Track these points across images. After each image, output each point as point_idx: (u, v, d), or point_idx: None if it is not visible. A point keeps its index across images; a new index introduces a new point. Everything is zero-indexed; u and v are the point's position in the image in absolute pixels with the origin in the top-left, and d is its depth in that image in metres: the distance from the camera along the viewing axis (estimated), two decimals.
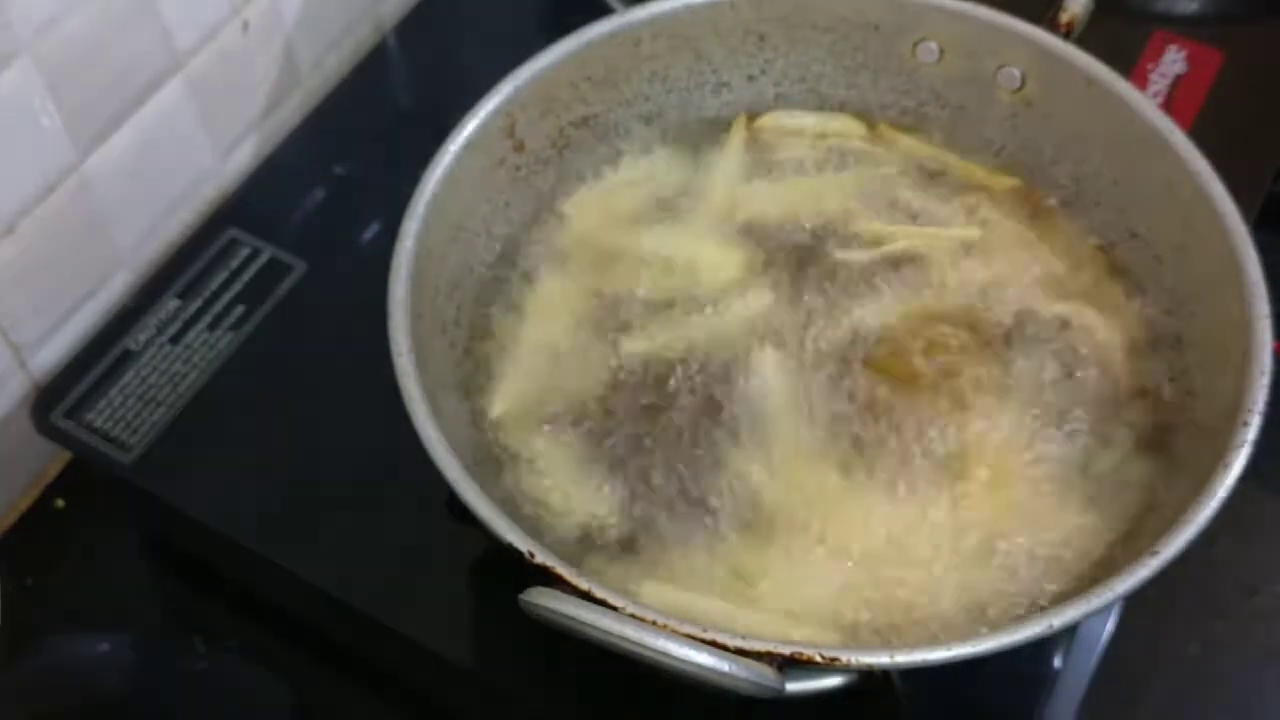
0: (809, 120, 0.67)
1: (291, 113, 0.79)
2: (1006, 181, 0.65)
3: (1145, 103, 0.59)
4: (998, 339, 0.60)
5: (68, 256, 0.67)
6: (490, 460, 0.57)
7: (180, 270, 0.70)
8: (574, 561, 0.52)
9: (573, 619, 0.45)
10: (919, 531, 0.55)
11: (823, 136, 0.67)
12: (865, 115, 0.68)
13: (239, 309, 0.69)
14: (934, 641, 0.47)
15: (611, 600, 0.46)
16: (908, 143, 0.66)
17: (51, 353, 0.69)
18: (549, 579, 0.47)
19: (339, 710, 0.64)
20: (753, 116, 0.68)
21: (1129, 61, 0.76)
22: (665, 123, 0.67)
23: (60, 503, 0.69)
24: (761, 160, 0.66)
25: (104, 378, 0.66)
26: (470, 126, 0.60)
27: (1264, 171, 0.72)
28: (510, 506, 0.55)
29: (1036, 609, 0.52)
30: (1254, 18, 0.81)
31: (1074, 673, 0.60)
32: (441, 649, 0.59)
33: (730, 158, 0.66)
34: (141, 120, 0.68)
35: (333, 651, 0.64)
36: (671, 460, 0.57)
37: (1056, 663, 0.60)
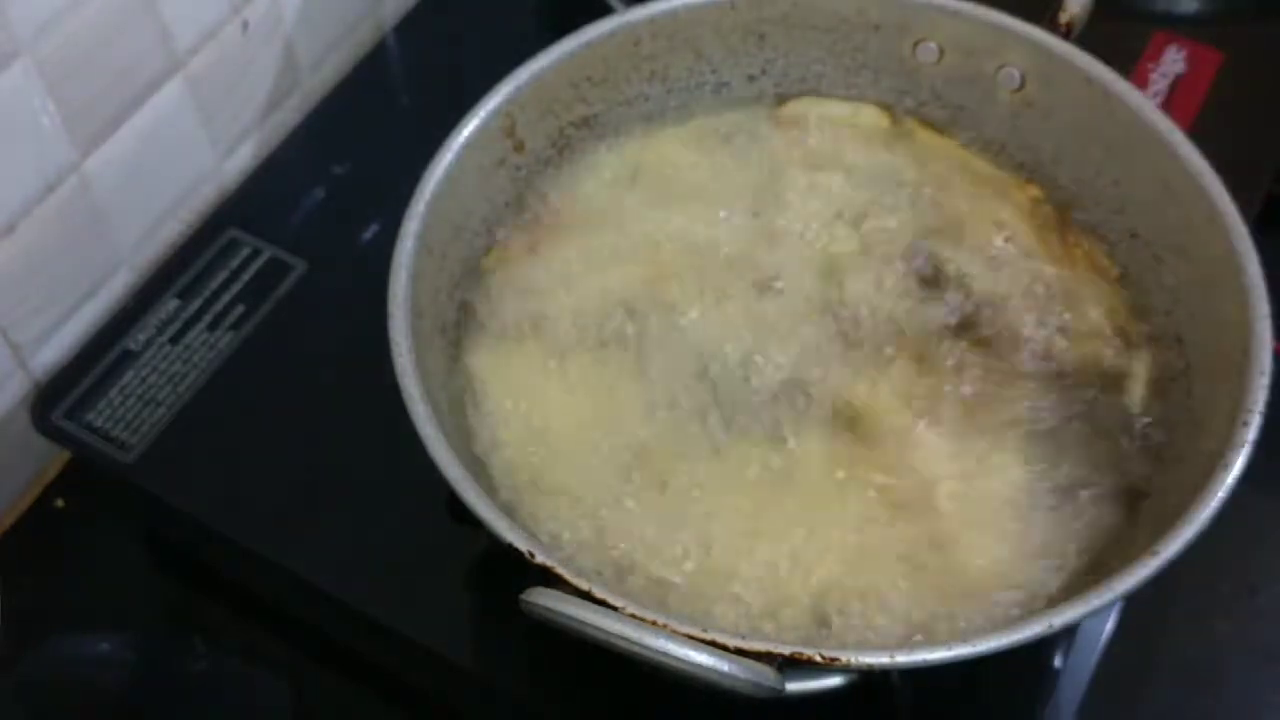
0: (837, 109, 0.67)
1: (291, 113, 0.79)
2: (1028, 190, 0.65)
3: (1145, 103, 0.59)
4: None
5: (68, 257, 0.67)
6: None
7: (180, 270, 0.70)
8: None
9: (573, 619, 0.45)
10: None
11: (852, 126, 0.67)
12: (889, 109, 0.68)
13: (239, 309, 0.69)
14: (934, 641, 0.47)
15: (611, 600, 0.46)
16: (929, 139, 0.67)
17: (51, 353, 0.69)
18: (549, 579, 0.47)
19: (339, 710, 0.64)
20: (780, 102, 0.68)
21: (1129, 61, 0.76)
22: (665, 122, 0.67)
23: (60, 503, 0.69)
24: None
25: (104, 378, 0.66)
26: (470, 126, 0.60)
27: (1264, 171, 0.72)
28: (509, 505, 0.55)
29: (1037, 606, 0.52)
30: (1254, 18, 0.81)
31: (1074, 673, 0.60)
32: (441, 649, 0.59)
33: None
34: (141, 120, 0.68)
35: (333, 651, 0.64)
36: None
37: (1056, 663, 0.60)
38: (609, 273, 0.62)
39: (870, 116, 0.67)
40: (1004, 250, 0.63)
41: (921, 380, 0.59)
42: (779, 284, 0.62)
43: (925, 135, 0.67)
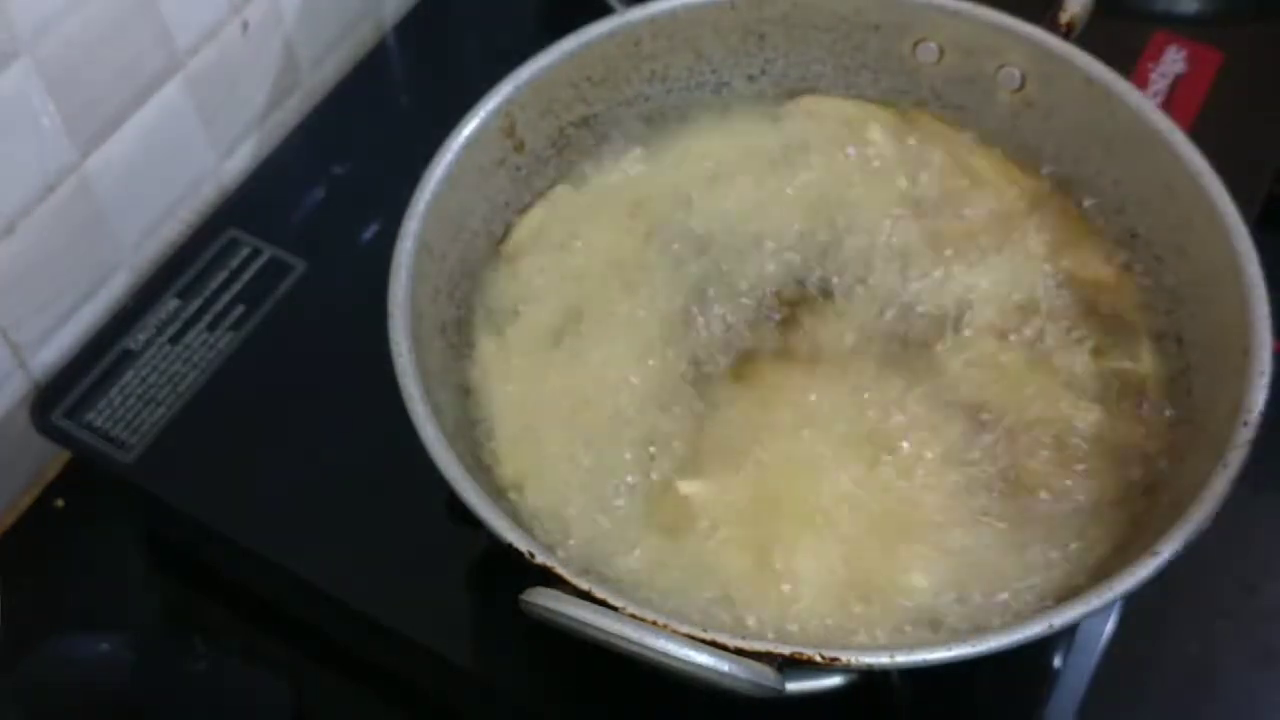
0: (846, 107, 0.67)
1: (291, 113, 0.79)
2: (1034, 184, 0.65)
3: (1145, 103, 0.59)
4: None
5: (68, 256, 0.67)
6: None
7: (180, 270, 0.70)
8: None
9: (573, 619, 0.45)
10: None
11: (864, 119, 0.67)
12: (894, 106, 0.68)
13: (239, 309, 0.69)
14: (934, 641, 0.47)
15: (611, 600, 0.46)
16: (939, 129, 0.66)
17: (51, 353, 0.69)
18: (549, 579, 0.47)
19: (339, 710, 0.64)
20: (789, 97, 0.68)
21: (1129, 61, 0.76)
22: (666, 122, 0.67)
23: (60, 503, 0.69)
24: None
25: (104, 378, 0.66)
26: (470, 126, 0.60)
27: (1264, 171, 0.72)
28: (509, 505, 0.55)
29: (1037, 607, 0.52)
30: (1254, 18, 0.81)
31: (1074, 673, 0.60)
32: (441, 649, 0.59)
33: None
34: (141, 120, 0.68)
35: (333, 651, 0.64)
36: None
37: (1056, 663, 0.60)
38: (614, 253, 0.63)
39: (879, 113, 0.67)
40: (1002, 247, 0.63)
41: (913, 375, 0.59)
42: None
43: (935, 126, 0.66)
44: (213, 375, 0.66)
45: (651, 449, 0.57)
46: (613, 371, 0.59)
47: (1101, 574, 0.50)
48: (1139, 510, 0.55)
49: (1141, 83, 0.76)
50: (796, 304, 0.61)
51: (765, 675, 0.45)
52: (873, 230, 0.63)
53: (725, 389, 0.59)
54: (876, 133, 0.66)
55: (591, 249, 0.63)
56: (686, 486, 0.56)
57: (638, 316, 0.60)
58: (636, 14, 0.64)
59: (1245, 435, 0.50)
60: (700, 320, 0.61)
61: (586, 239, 0.63)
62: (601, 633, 0.45)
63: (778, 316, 0.61)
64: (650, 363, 0.59)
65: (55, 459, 0.70)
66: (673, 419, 0.58)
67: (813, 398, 0.58)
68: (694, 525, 0.55)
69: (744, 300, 0.61)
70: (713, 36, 0.66)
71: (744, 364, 0.60)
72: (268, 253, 0.71)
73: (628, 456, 0.57)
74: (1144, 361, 0.59)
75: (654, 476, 0.56)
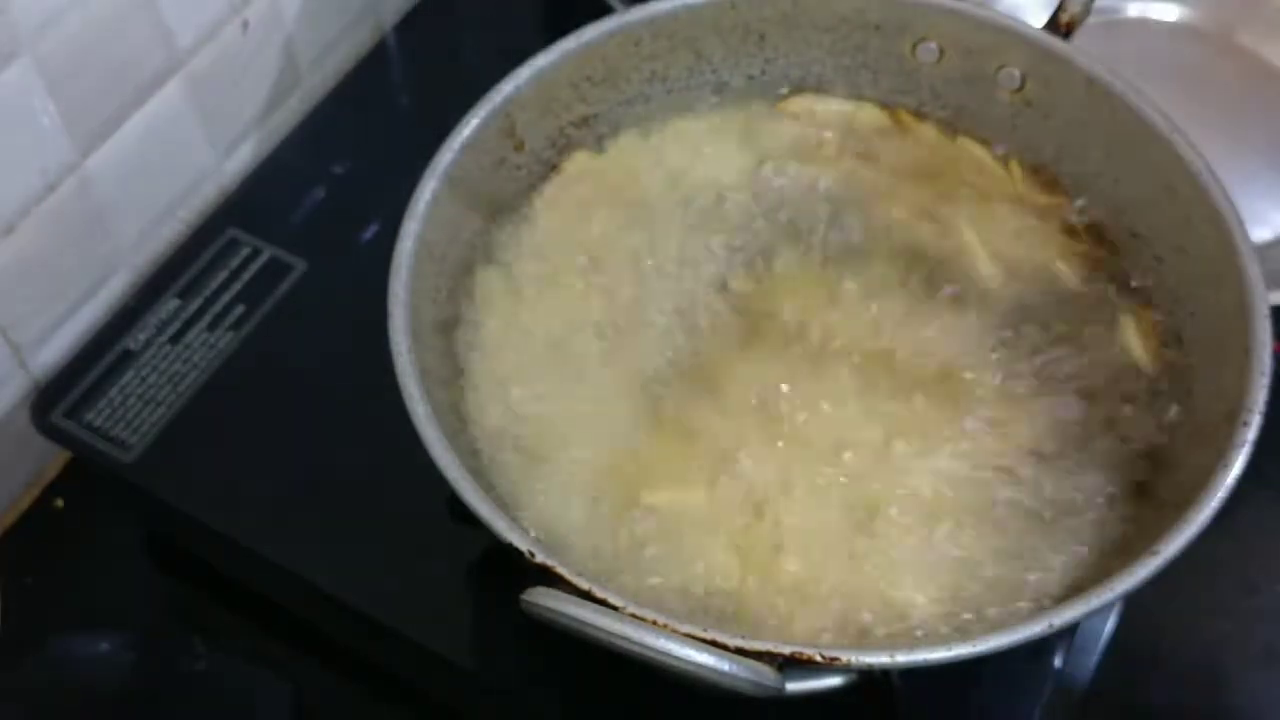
0: (838, 105, 0.67)
1: (291, 112, 0.79)
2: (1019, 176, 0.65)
3: (1145, 103, 0.59)
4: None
5: (68, 256, 0.67)
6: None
7: (180, 270, 0.70)
8: None
9: (573, 619, 0.45)
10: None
11: (854, 119, 0.67)
12: (886, 107, 0.68)
13: (239, 309, 0.69)
14: (934, 641, 0.47)
15: (611, 600, 0.46)
16: (927, 133, 0.67)
17: (51, 352, 0.69)
18: (549, 579, 0.47)
19: (339, 710, 0.64)
20: (781, 98, 0.68)
21: None
22: (670, 116, 0.67)
23: (60, 503, 0.69)
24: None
25: (104, 377, 0.66)
26: (470, 126, 0.60)
27: None
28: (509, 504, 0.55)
29: (1037, 607, 0.52)
30: None
31: (1074, 673, 0.60)
32: (441, 649, 0.59)
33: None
34: (141, 120, 0.68)
35: (333, 651, 0.64)
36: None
37: (1056, 663, 0.60)
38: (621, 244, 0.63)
39: (870, 112, 0.67)
40: (1000, 243, 0.63)
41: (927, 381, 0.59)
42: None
43: (923, 129, 0.67)
44: (213, 375, 0.66)
45: (632, 453, 0.57)
46: (596, 384, 0.59)
47: (1101, 574, 0.50)
48: (1139, 510, 0.55)
49: None
50: (783, 298, 0.61)
51: (765, 675, 0.45)
52: (856, 223, 0.63)
53: (704, 395, 0.58)
54: (862, 129, 0.67)
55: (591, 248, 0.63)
56: (657, 497, 0.55)
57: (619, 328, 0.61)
58: (636, 14, 0.64)
59: (1245, 435, 0.50)
60: (680, 323, 0.61)
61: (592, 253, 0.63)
62: (601, 633, 0.45)
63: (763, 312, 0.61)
64: (635, 371, 0.59)
65: (55, 459, 0.70)
66: (646, 428, 0.58)
67: (798, 399, 0.58)
68: (673, 535, 0.55)
69: (725, 296, 0.61)
70: (713, 36, 0.66)
71: (721, 366, 0.59)
72: (268, 253, 0.71)
73: (608, 462, 0.57)
74: (1144, 362, 0.59)
75: (630, 486, 0.56)
